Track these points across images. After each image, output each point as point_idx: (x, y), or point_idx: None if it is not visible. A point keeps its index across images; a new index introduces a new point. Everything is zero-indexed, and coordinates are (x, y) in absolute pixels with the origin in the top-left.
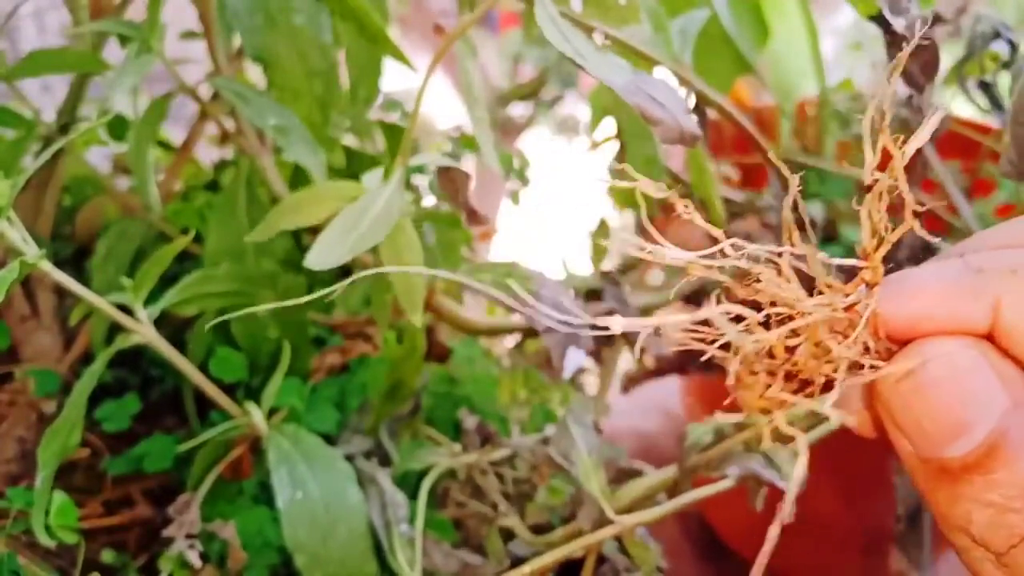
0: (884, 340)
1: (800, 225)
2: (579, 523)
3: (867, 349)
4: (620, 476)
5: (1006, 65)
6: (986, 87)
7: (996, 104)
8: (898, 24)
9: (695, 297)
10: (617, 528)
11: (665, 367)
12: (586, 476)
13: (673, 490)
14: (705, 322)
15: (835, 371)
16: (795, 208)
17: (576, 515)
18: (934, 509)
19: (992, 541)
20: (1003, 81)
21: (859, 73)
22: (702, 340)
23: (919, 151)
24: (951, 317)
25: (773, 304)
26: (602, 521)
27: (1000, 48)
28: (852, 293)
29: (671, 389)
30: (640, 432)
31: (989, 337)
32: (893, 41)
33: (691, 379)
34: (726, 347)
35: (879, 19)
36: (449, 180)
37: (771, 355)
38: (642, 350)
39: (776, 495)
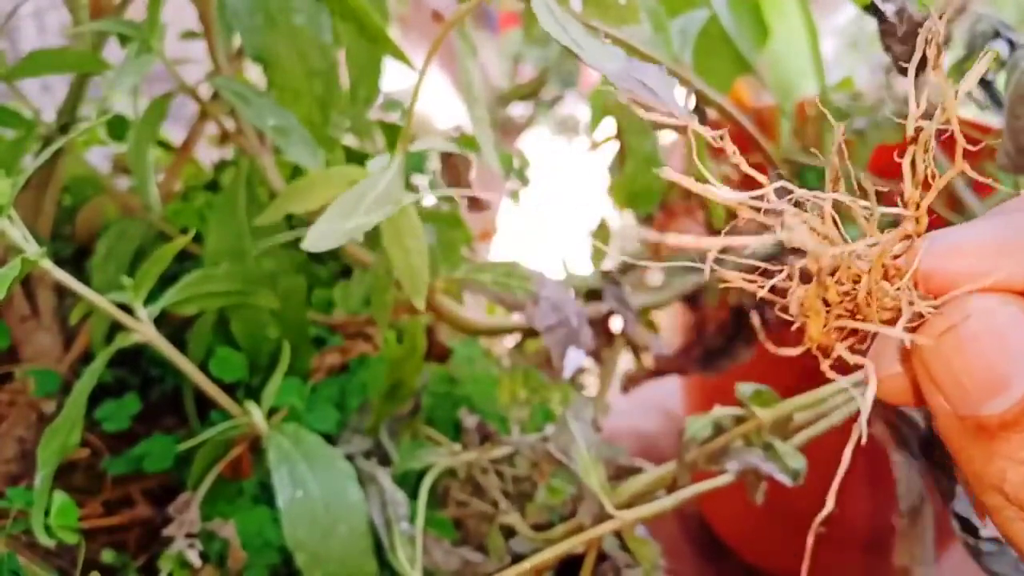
0: (924, 296)
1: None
2: (579, 519)
3: (910, 304)
4: (620, 473)
5: (1004, 64)
6: (987, 86)
7: (997, 103)
8: (888, 9)
9: (695, 297)
10: (617, 523)
11: (665, 367)
12: (586, 471)
13: (673, 486)
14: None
15: (890, 316)
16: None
17: (576, 512)
18: (967, 468)
19: None
20: (1003, 80)
21: (859, 73)
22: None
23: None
24: (992, 274)
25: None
26: (602, 516)
27: (1000, 47)
28: (899, 242)
29: (671, 389)
30: (640, 432)
31: None
32: (887, 31)
33: (691, 379)
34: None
35: (872, 8)
36: (451, 166)
37: (826, 300)
38: (642, 350)
39: (776, 490)
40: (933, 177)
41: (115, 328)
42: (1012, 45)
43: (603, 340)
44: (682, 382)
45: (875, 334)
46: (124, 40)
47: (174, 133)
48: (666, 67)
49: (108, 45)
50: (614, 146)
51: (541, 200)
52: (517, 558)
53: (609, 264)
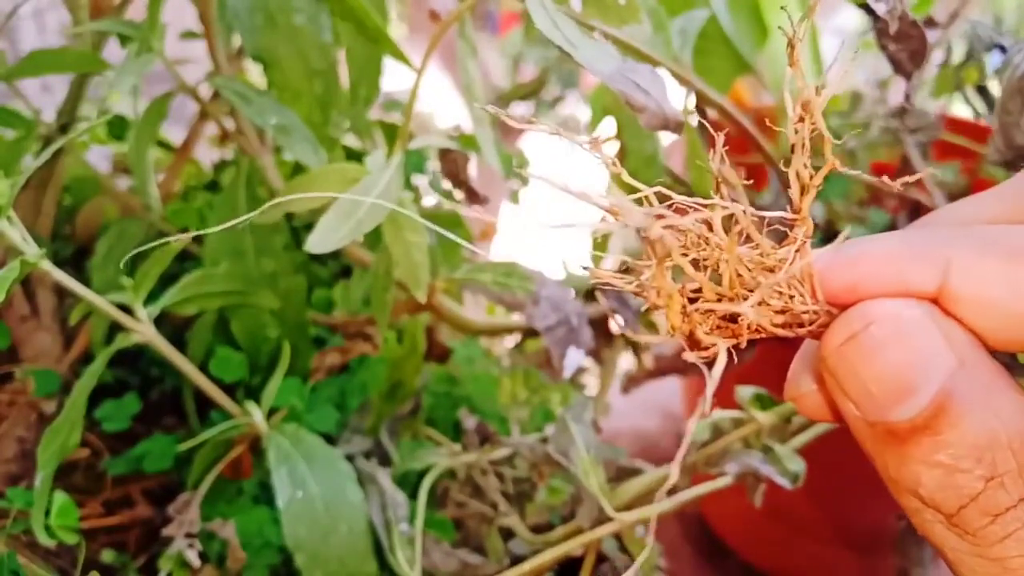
0: (824, 304)
1: (729, 182)
2: (579, 521)
3: (807, 313)
4: (620, 474)
5: (997, 71)
6: (983, 92)
7: (993, 109)
8: (879, 8)
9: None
10: (616, 525)
11: (665, 367)
12: (585, 473)
13: (672, 488)
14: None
15: (783, 321)
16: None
17: (575, 514)
18: (883, 474)
19: (942, 502)
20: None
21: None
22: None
23: (903, 155)
24: (896, 279)
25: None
26: (601, 518)
27: (995, 55)
28: (785, 246)
29: (671, 389)
30: (640, 432)
31: (934, 301)
32: (881, 29)
33: (691, 379)
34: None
35: (864, 6)
36: (450, 161)
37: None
38: (642, 350)
39: (775, 492)
40: (810, 179)
41: (115, 328)
42: (1004, 52)
43: (603, 340)
44: (682, 382)
45: (760, 337)
46: (124, 40)
47: (174, 133)
48: (666, 67)
49: (108, 45)
50: (614, 146)
51: (541, 200)
52: (516, 560)
53: (609, 264)
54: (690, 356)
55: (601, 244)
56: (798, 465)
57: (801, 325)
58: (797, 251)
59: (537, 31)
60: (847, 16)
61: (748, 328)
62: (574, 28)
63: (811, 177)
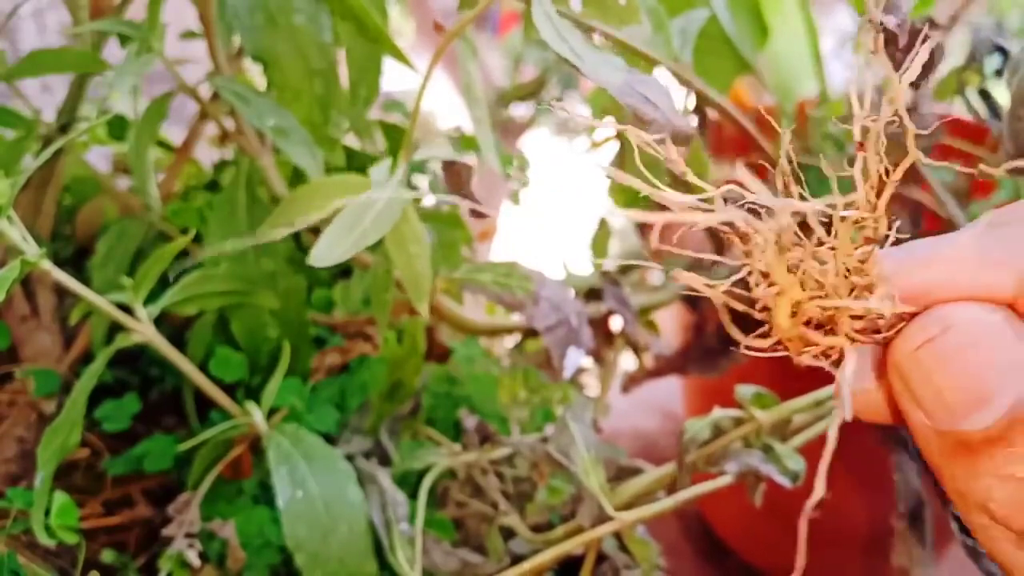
0: (897, 307)
1: (797, 181)
2: (579, 520)
3: (880, 317)
4: (620, 474)
5: (999, 73)
6: (986, 96)
7: (995, 113)
8: (888, 22)
9: (695, 297)
10: (617, 524)
11: (665, 367)
12: (585, 473)
13: (672, 487)
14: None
15: (859, 326)
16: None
17: (576, 514)
18: (950, 486)
19: (1013, 519)
20: (998, 89)
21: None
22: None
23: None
24: (971, 284)
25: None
26: (601, 518)
27: (997, 58)
28: (858, 248)
29: (671, 389)
30: (640, 432)
31: (1010, 306)
32: (887, 39)
33: (691, 379)
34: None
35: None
36: (454, 173)
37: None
38: (642, 350)
39: (775, 491)
40: (887, 175)
41: (115, 328)
42: (1006, 54)
43: (603, 340)
44: (682, 382)
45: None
46: (124, 40)
47: (174, 133)
48: (666, 67)
49: (108, 45)
50: (614, 146)
51: (541, 200)
52: (516, 559)
53: (609, 264)
54: (806, 358)
55: (601, 244)
56: (798, 464)
57: (877, 331)
58: (871, 253)
59: (537, 31)
60: (847, 16)
61: (844, 334)
62: (580, 39)
63: (888, 173)
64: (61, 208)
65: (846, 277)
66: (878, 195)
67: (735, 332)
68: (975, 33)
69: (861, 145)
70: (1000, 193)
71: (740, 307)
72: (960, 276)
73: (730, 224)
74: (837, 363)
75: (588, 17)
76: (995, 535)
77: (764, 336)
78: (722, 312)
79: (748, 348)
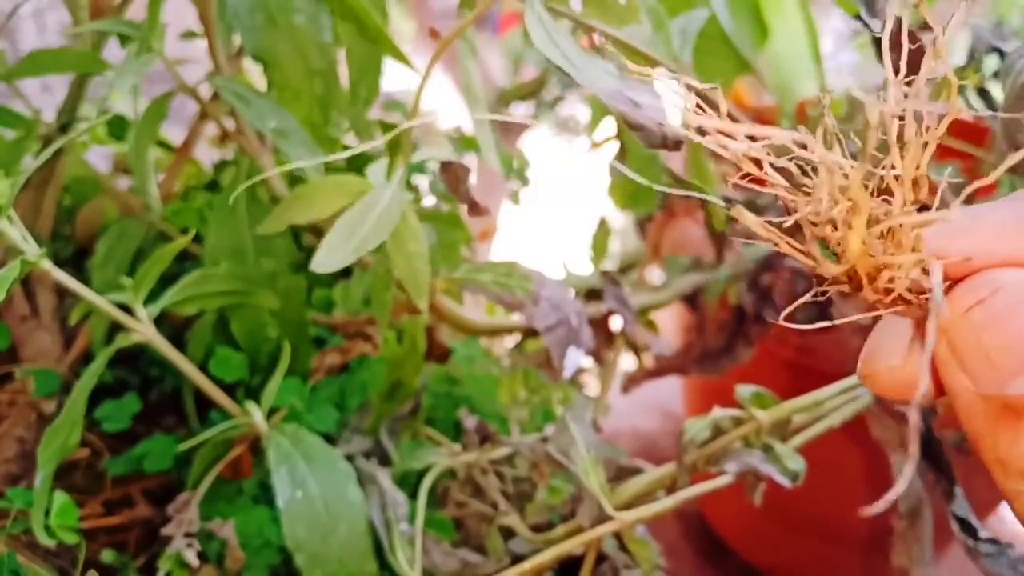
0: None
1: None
2: (579, 520)
3: (920, 285)
4: (620, 474)
5: (997, 74)
6: (985, 95)
7: (994, 111)
8: (875, 25)
9: (695, 297)
10: (616, 524)
11: (665, 367)
12: (585, 473)
13: (672, 487)
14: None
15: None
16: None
17: (576, 513)
18: (990, 454)
19: None
20: (997, 89)
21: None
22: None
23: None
24: (1014, 250)
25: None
26: (601, 517)
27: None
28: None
29: (671, 389)
30: (640, 432)
31: None
32: (878, 40)
33: (691, 379)
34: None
35: (861, 19)
36: (451, 174)
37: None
38: (642, 350)
39: (775, 491)
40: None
41: (115, 328)
42: (1002, 55)
43: (603, 340)
44: (682, 382)
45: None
46: (124, 40)
47: (174, 133)
48: (666, 67)
49: (108, 45)
50: (614, 146)
51: (541, 200)
52: (516, 559)
53: (609, 264)
54: (870, 292)
55: (601, 244)
56: (798, 464)
57: (921, 293)
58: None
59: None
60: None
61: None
62: (571, 43)
63: (928, 130)
64: (61, 208)
65: (893, 239)
66: (916, 158)
67: (810, 262)
68: (973, 33)
69: (902, 116)
70: (1001, 192)
71: (799, 248)
72: (1001, 243)
73: (804, 145)
74: (894, 303)
75: (588, 17)
76: None
77: (836, 262)
78: (807, 240)
79: (819, 279)
